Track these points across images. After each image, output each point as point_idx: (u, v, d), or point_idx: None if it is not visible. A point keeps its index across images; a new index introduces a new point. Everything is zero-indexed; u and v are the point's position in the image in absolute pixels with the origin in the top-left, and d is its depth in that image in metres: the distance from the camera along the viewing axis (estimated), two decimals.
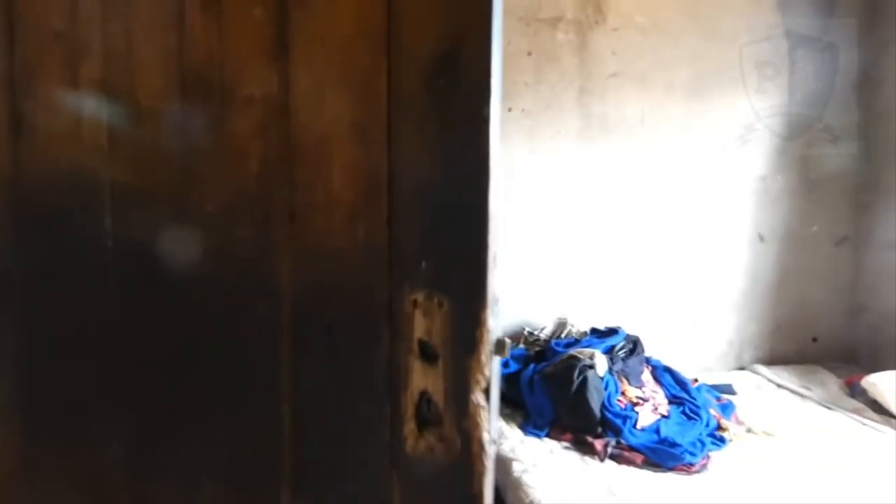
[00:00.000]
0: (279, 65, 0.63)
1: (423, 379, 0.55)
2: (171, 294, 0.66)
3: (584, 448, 1.95)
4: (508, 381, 2.28)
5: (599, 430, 1.99)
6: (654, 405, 2.12)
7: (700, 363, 2.78)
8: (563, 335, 2.43)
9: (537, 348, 2.41)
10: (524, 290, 2.61)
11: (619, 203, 2.64)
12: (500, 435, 1.66)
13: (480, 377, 0.53)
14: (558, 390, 2.08)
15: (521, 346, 2.47)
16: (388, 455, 0.57)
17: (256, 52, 0.63)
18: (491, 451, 0.55)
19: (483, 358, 0.53)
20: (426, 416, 0.56)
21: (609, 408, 2.03)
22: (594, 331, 2.42)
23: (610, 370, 2.15)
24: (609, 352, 2.26)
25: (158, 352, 0.65)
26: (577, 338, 2.39)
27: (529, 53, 2.49)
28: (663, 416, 2.07)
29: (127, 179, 0.68)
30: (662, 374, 2.34)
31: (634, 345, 2.40)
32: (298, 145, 0.64)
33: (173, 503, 0.64)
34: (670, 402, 2.19)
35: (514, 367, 2.34)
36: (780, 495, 1.73)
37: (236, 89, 0.64)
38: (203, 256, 0.65)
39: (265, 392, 0.62)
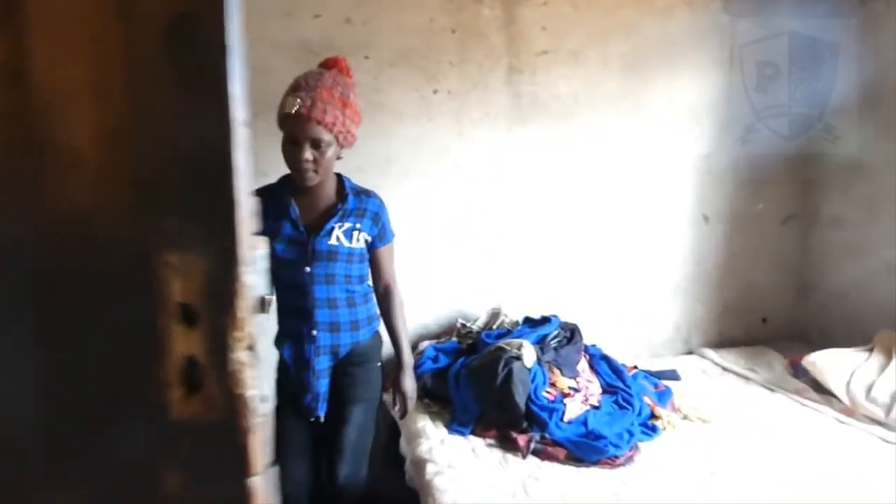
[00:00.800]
0: (7, 30, 0.60)
1: (186, 343, 0.54)
2: None
3: (509, 445, 1.85)
4: (438, 376, 2.18)
5: (524, 424, 1.89)
6: (584, 396, 2.02)
7: (647, 349, 2.70)
8: (495, 326, 2.33)
9: (469, 341, 2.31)
10: (459, 281, 2.50)
11: (555, 186, 2.53)
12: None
13: (241, 335, 0.51)
14: (483, 385, 1.98)
15: (454, 339, 2.36)
16: (156, 422, 0.57)
17: None
18: (261, 407, 0.54)
19: (241, 315, 0.51)
20: (194, 380, 0.55)
21: (535, 401, 1.93)
22: (527, 320, 2.32)
23: (539, 361, 2.05)
24: (541, 342, 2.16)
25: None
26: (510, 328, 2.29)
27: (453, 31, 2.36)
28: (593, 407, 1.98)
29: None
30: (599, 362, 2.25)
31: (572, 333, 2.30)
32: (35, 108, 0.62)
33: None
34: (604, 392, 2.10)
35: (444, 361, 2.23)
36: (709, 484, 1.65)
37: None
38: None
39: (15, 370, 0.59)
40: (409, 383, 1.72)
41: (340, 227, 1.56)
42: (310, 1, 2.22)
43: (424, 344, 2.34)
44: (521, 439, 1.83)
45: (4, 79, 0.60)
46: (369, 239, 1.61)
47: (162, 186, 0.56)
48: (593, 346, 2.38)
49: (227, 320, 0.51)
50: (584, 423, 1.87)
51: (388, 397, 1.86)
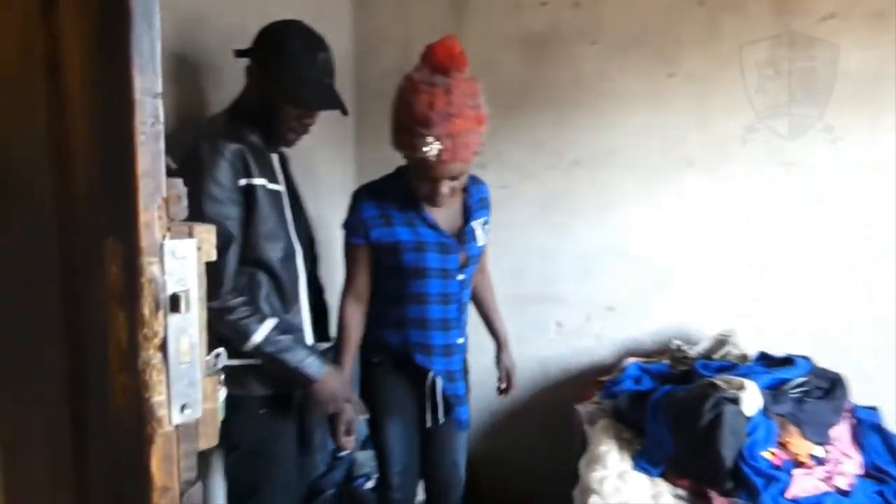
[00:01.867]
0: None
1: (128, 330, 0.50)
2: None
3: (703, 502, 1.51)
4: (636, 400, 1.90)
5: (730, 485, 1.51)
6: (830, 472, 1.51)
7: None
8: (717, 356, 1.92)
9: (683, 368, 1.95)
10: (683, 294, 2.13)
11: (828, 187, 1.95)
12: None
13: (149, 332, 0.47)
14: (683, 422, 1.64)
15: (665, 361, 2.03)
16: (101, 406, 0.54)
17: None
18: (176, 416, 0.48)
19: (146, 311, 0.46)
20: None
21: (749, 459, 1.52)
22: (764, 357, 1.84)
23: (765, 411, 1.61)
24: (776, 387, 1.70)
25: None
26: (736, 362, 1.85)
27: (701, 3, 2.00)
28: (839, 491, 1.46)
29: None
30: (868, 433, 1.65)
31: (832, 385, 1.75)
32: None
33: None
34: (866, 475, 1.54)
35: (647, 384, 1.94)
36: None
37: None
38: None
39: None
40: (510, 357, 1.68)
41: (478, 225, 1.45)
42: None
43: (629, 360, 2.07)
44: (720, 502, 1.47)
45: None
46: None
47: (96, 168, 0.52)
48: (868, 408, 1.77)
49: (137, 315, 0.47)
50: None
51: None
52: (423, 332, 1.43)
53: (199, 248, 0.46)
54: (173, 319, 0.46)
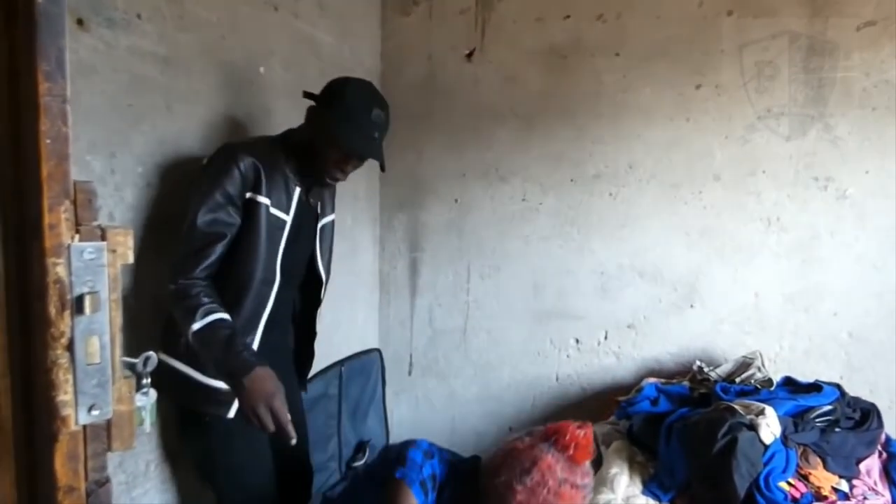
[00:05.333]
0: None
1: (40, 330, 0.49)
2: None
3: None
4: (651, 422, 1.84)
5: None
6: None
7: None
8: (739, 380, 1.83)
9: (703, 390, 1.87)
10: (709, 312, 2.05)
11: (874, 205, 1.84)
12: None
13: (55, 332, 0.46)
14: (696, 447, 1.58)
15: (686, 382, 1.95)
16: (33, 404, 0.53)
17: None
18: (84, 417, 0.47)
19: (52, 311, 0.46)
20: None
21: (765, 490, 1.44)
22: (789, 382, 1.75)
23: (784, 439, 1.52)
24: (799, 415, 1.61)
25: None
26: (759, 386, 1.76)
27: (730, 13, 1.93)
28: None
29: None
30: None
31: (864, 416, 1.65)
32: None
33: None
34: None
35: (664, 406, 1.87)
36: None
37: None
38: None
39: None
40: None
41: None
42: (564, 1, 2.13)
43: (647, 381, 2.01)
44: None
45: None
46: None
47: (25, 171, 0.50)
48: None
49: (43, 315, 0.46)
50: None
51: None
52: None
53: (112, 251, 0.45)
54: (80, 320, 0.45)
